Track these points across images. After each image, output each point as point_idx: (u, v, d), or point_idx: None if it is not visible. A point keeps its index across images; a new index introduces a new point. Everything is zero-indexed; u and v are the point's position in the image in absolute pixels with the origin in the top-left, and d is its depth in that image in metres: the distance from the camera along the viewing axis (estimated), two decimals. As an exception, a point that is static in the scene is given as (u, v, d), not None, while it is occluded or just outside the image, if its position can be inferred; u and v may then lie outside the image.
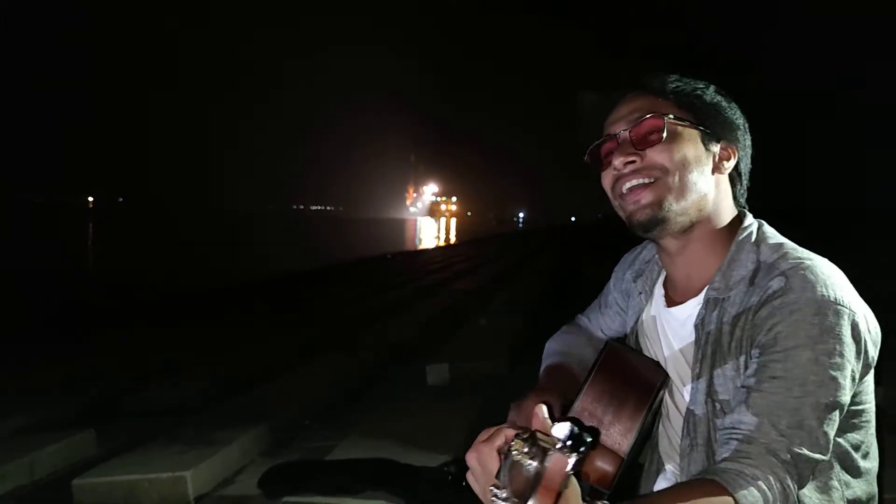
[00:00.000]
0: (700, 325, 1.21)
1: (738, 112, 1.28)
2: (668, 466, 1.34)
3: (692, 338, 1.23)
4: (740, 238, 1.22)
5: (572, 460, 0.76)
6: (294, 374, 5.75)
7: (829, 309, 1.04)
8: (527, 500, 0.76)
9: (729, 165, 1.25)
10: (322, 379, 5.48)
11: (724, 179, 1.26)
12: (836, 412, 1.04)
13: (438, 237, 66.64)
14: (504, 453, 0.82)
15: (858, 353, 1.06)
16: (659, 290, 1.36)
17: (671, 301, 1.31)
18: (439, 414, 4.19)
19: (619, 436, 1.20)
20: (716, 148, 1.24)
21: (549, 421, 0.85)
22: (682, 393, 1.26)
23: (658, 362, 1.31)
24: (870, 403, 1.14)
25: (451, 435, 3.63)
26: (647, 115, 1.22)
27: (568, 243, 30.32)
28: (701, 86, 1.26)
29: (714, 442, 1.16)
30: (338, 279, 16.79)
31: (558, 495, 0.76)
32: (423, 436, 3.69)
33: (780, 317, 1.06)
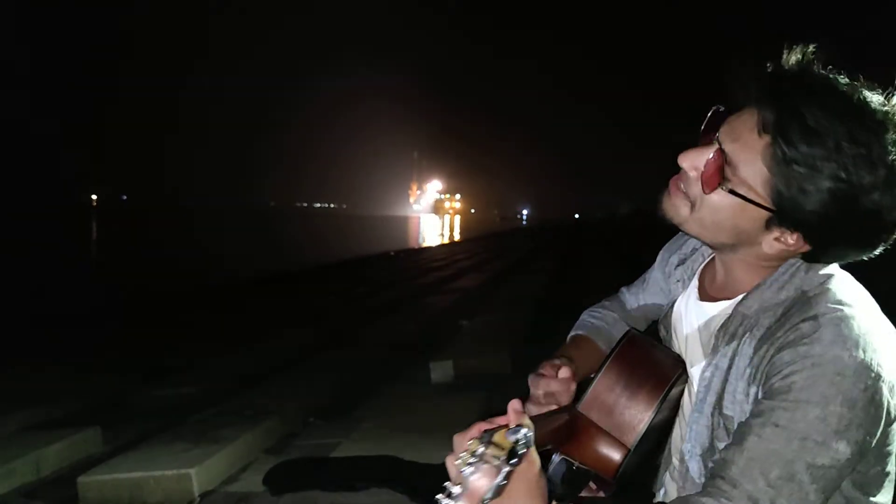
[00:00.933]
0: (722, 333, 1.17)
1: (866, 231, 1.03)
2: (675, 461, 1.32)
3: (712, 341, 1.19)
4: (791, 260, 1.12)
5: (503, 473, 0.80)
6: (298, 371, 5.77)
7: (853, 371, 0.97)
8: (455, 502, 0.80)
9: (789, 250, 1.09)
10: (326, 376, 5.49)
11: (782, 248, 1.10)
12: (834, 473, 0.98)
13: (442, 234, 66.61)
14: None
15: (877, 419, 0.99)
16: (695, 282, 1.32)
17: (704, 294, 1.27)
18: (443, 411, 4.20)
19: (627, 427, 1.20)
20: (783, 231, 1.07)
21: (523, 418, 0.89)
22: (693, 392, 1.24)
23: (679, 356, 1.29)
24: (891, 445, 1.07)
25: (455, 432, 3.63)
26: (727, 165, 1.06)
27: (573, 241, 30.27)
28: (821, 181, 0.99)
29: (711, 451, 1.15)
30: (342, 277, 16.81)
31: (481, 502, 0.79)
32: (426, 433, 3.70)
33: (800, 366, 1.00)
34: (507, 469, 0.80)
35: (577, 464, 1.20)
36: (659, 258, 1.49)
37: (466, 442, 0.92)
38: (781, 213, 1.04)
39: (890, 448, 1.07)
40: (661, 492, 1.35)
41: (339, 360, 6.17)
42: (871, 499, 1.10)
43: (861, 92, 1.01)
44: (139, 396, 5.29)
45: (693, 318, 1.27)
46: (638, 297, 1.54)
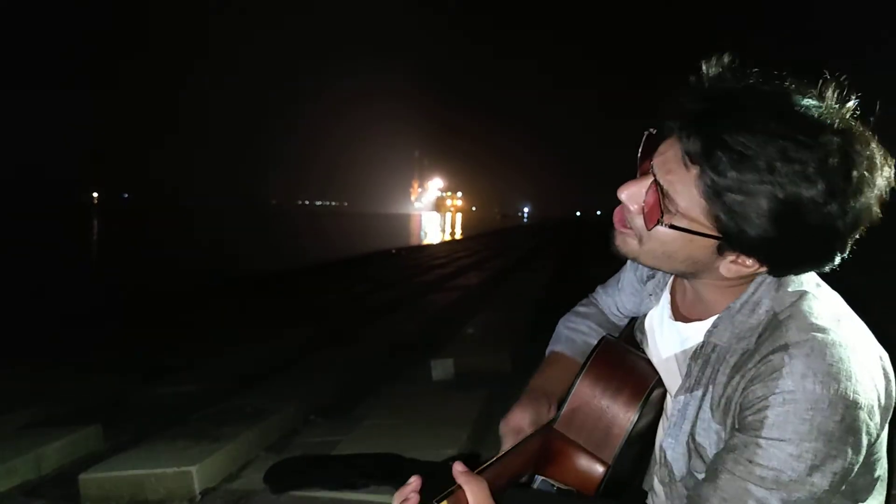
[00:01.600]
0: (695, 360, 1.15)
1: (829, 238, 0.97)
2: (659, 467, 1.30)
3: (685, 368, 1.17)
4: (759, 279, 1.09)
5: None
6: (299, 369, 5.77)
7: (827, 404, 0.94)
8: None
9: (747, 271, 1.05)
10: (327, 374, 5.49)
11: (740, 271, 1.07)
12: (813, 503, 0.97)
13: (443, 232, 66.60)
14: None
15: (857, 444, 0.97)
16: (666, 297, 1.28)
17: (677, 312, 1.24)
18: (444, 409, 4.19)
19: (606, 442, 1.19)
20: (736, 255, 1.04)
21: (470, 482, 0.97)
22: (668, 412, 1.22)
23: (652, 363, 1.28)
24: (878, 453, 1.06)
25: (456, 430, 3.64)
26: (664, 198, 1.02)
27: (574, 241, 30.26)
28: (763, 203, 0.93)
29: (691, 477, 1.13)
30: (342, 275, 16.80)
31: None
32: (427, 431, 3.70)
33: (771, 401, 0.97)
34: None
35: (557, 485, 1.19)
36: (630, 261, 1.44)
37: None
38: (729, 240, 1.00)
39: (877, 456, 1.06)
40: (651, 493, 1.34)
41: (339, 359, 6.16)
42: None
43: (791, 98, 0.95)
44: (140, 395, 5.28)
45: (667, 339, 1.25)
46: (615, 299, 1.51)
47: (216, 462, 3.39)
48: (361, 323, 8.25)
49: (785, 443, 0.95)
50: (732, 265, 1.05)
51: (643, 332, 1.35)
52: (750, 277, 1.09)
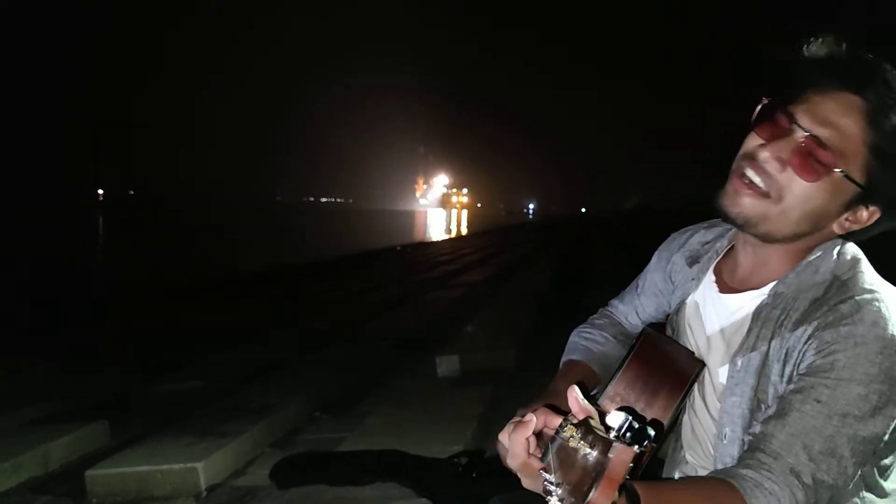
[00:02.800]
0: (757, 315, 1.17)
1: None
2: (688, 456, 1.32)
3: (743, 327, 1.19)
4: (825, 245, 1.17)
5: (631, 453, 0.72)
6: (304, 365, 5.77)
7: (895, 350, 1.02)
8: (588, 491, 0.71)
9: (858, 226, 1.15)
10: (332, 371, 5.49)
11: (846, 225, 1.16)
12: (871, 448, 1.03)
13: (448, 229, 66.58)
14: (552, 437, 0.76)
15: None
16: (710, 276, 1.31)
17: (724, 287, 1.27)
18: (449, 405, 4.19)
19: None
20: (859, 208, 1.14)
21: (587, 404, 0.80)
22: (719, 382, 1.23)
23: (693, 352, 1.29)
24: None
25: (461, 426, 3.64)
26: (827, 150, 1.08)
27: (578, 241, 30.23)
28: None
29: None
30: (347, 271, 16.83)
31: (622, 487, 0.72)
32: (432, 427, 3.70)
33: (843, 345, 1.03)
34: (637, 450, 0.72)
35: None
36: (655, 260, 1.47)
37: (542, 430, 0.89)
38: (877, 190, 1.10)
39: None
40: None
41: (344, 355, 6.17)
42: (884, 483, 1.13)
43: None
44: (144, 392, 5.30)
45: (714, 312, 1.27)
46: (634, 305, 1.51)
47: (222, 458, 3.41)
48: (366, 319, 8.26)
49: (854, 383, 1.01)
50: (846, 221, 1.14)
51: (676, 323, 1.37)
52: (825, 240, 1.17)
